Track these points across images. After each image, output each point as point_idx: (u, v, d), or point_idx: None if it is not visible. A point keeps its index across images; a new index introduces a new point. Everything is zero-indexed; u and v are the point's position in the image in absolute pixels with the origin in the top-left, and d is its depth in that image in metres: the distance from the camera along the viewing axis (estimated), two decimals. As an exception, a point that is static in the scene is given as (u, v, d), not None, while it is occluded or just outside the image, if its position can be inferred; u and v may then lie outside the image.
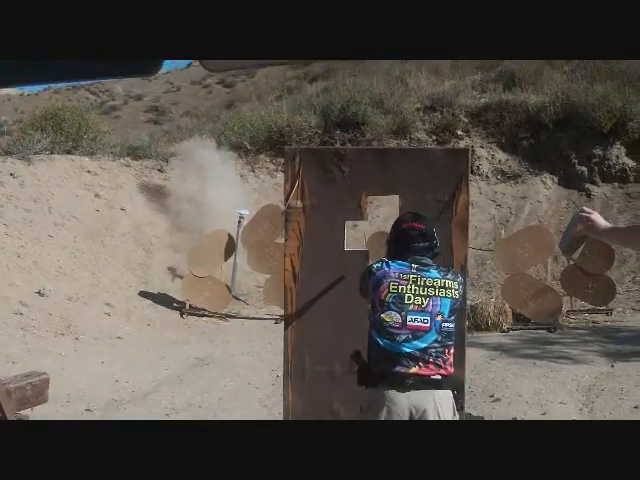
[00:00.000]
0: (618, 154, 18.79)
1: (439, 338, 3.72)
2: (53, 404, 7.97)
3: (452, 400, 3.79)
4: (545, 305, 12.94)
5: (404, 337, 3.70)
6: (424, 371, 3.68)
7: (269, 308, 14.39)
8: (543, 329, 12.67)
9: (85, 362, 10.21)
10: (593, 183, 18.78)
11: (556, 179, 19.25)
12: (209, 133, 20.70)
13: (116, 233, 16.01)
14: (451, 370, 3.78)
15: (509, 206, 18.91)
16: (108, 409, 7.94)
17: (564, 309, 13.61)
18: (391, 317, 3.72)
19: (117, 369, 9.81)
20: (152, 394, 8.62)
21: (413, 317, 3.70)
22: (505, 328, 12.93)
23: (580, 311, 14.19)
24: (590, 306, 14.08)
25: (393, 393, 3.68)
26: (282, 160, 19.38)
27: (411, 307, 3.71)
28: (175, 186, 17.85)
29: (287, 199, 4.93)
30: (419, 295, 3.73)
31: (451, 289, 3.78)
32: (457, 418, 3.83)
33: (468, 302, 11.43)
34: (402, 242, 3.90)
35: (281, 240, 15.11)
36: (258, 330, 13.25)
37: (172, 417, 7.70)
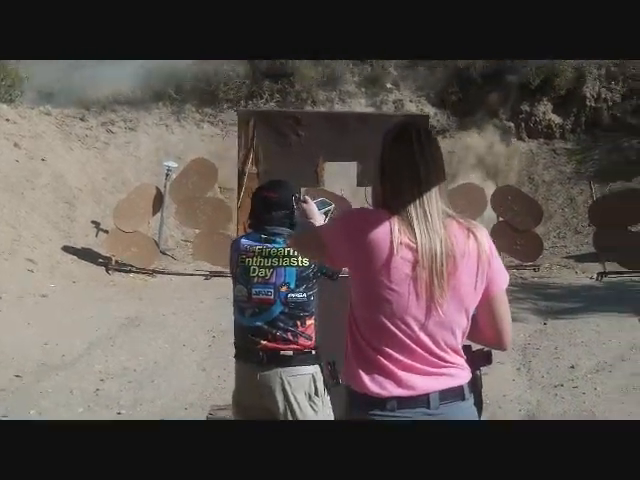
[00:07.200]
0: (545, 110, 19.01)
1: (286, 310, 3.58)
2: (-20, 370, 7.66)
3: (310, 378, 3.60)
4: (476, 262, 13.04)
5: (251, 311, 3.63)
6: (272, 345, 3.57)
7: (197, 263, 14.11)
8: (474, 287, 12.73)
9: (11, 323, 9.79)
10: (520, 139, 19.04)
11: (484, 134, 19.37)
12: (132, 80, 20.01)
13: (37, 185, 15.37)
14: (308, 343, 3.61)
15: (437, 161, 18.93)
16: (39, 375, 7.62)
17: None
18: (240, 291, 3.68)
19: (44, 330, 9.42)
20: (84, 358, 8.33)
21: (257, 290, 3.62)
22: (438, 287, 12.98)
23: (508, 267, 14.35)
24: (517, 262, 14.28)
25: (246, 369, 3.64)
26: (209, 110, 18.97)
27: (255, 280, 3.63)
28: (98, 135, 17.32)
29: (243, 164, 4.71)
30: (263, 267, 3.63)
31: (297, 257, 3.59)
32: (320, 398, 3.60)
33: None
34: (256, 212, 3.80)
35: (212, 194, 14.99)
36: (187, 286, 13.00)
37: (107, 382, 7.46)
